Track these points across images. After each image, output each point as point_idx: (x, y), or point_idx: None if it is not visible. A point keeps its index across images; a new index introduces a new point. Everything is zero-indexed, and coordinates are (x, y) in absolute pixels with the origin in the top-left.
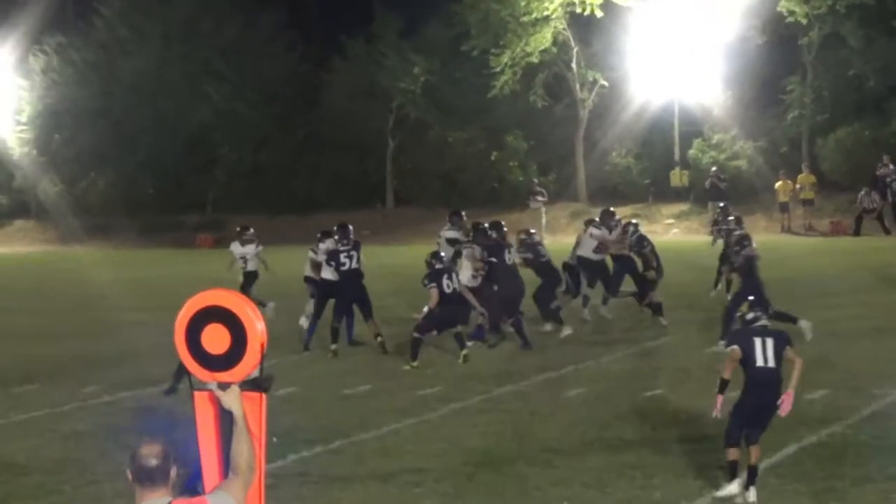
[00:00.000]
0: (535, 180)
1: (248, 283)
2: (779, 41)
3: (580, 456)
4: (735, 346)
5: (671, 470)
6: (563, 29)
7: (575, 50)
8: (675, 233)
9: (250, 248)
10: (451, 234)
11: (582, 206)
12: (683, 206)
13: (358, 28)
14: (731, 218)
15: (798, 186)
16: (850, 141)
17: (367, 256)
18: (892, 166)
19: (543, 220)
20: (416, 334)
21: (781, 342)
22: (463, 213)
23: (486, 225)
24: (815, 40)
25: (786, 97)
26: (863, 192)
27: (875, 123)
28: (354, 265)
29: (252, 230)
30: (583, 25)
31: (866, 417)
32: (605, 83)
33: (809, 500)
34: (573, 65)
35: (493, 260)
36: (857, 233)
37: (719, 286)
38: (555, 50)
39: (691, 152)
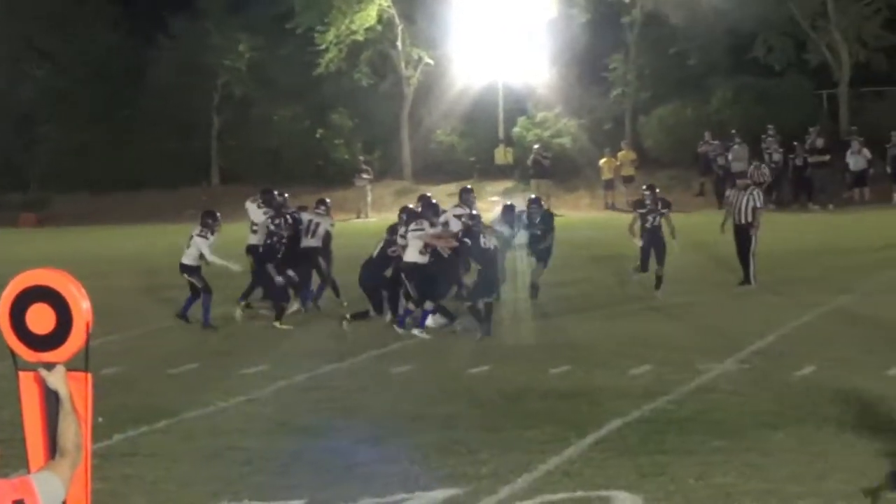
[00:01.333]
0: (361, 158)
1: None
2: (601, 19)
3: (407, 432)
4: None
5: (497, 445)
6: (388, 6)
7: (400, 27)
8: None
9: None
10: (258, 215)
11: (407, 184)
12: (508, 184)
13: (183, 5)
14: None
15: (619, 163)
16: (672, 118)
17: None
18: (714, 142)
19: (369, 198)
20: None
21: None
22: (276, 192)
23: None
24: (637, 19)
25: (609, 75)
26: (752, 167)
27: (696, 101)
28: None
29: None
30: (407, 3)
31: (689, 392)
32: (430, 61)
33: (633, 474)
34: (398, 42)
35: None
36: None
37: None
38: (380, 27)
39: (516, 130)
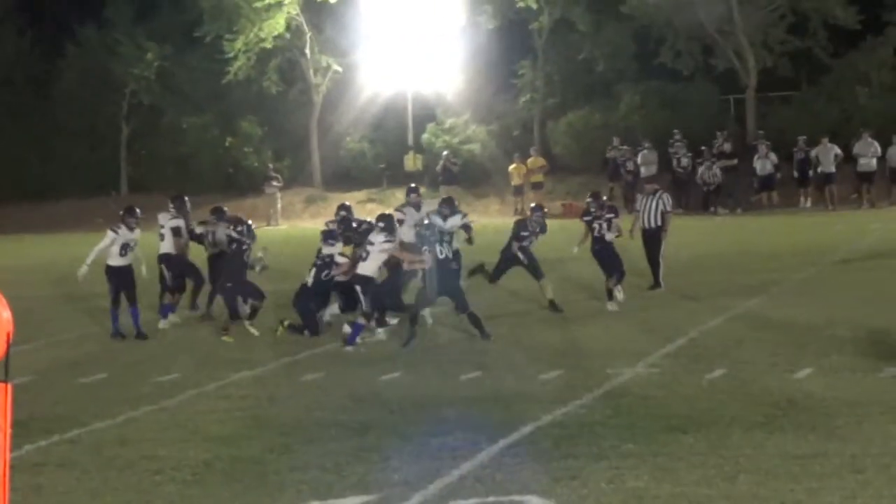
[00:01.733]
0: (270, 166)
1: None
2: (510, 26)
3: (318, 440)
4: None
5: (409, 452)
6: (297, 14)
7: (308, 35)
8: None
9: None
10: (175, 223)
11: (317, 192)
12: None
13: (90, 13)
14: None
15: (528, 170)
16: (580, 124)
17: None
18: (623, 147)
19: (279, 206)
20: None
21: None
22: (186, 199)
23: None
24: (545, 25)
25: (517, 81)
26: (703, 168)
27: (604, 107)
28: None
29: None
30: (316, 11)
31: (600, 397)
32: (339, 68)
33: (546, 479)
34: (307, 50)
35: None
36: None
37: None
38: (288, 35)
39: (425, 136)
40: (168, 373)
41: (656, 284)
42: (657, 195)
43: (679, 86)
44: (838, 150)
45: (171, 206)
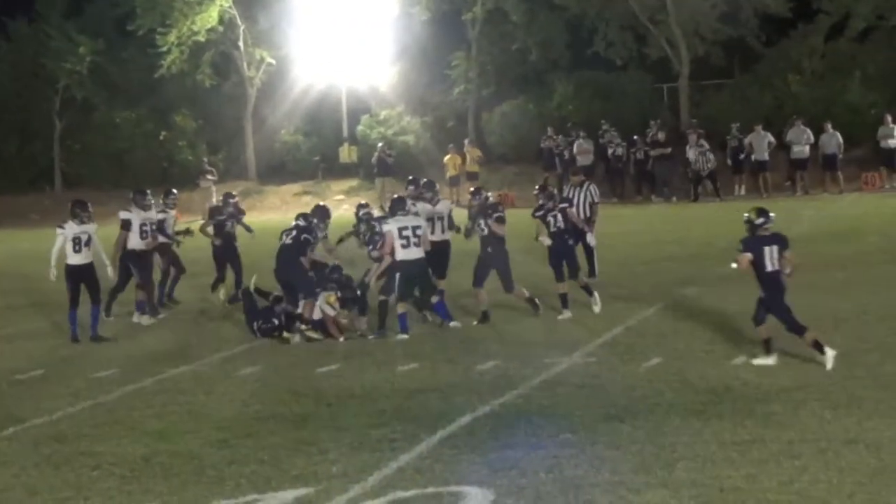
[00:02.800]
0: (205, 159)
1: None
2: (443, 17)
3: (256, 434)
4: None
5: (347, 444)
6: (229, 7)
7: (241, 28)
8: (345, 208)
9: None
10: (125, 214)
11: (252, 185)
12: (353, 182)
13: (21, 7)
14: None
15: (462, 161)
16: (515, 114)
17: (34, 241)
18: (557, 137)
19: (214, 199)
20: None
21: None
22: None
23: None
24: (479, 15)
25: (451, 73)
26: (698, 154)
27: (538, 97)
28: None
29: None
30: (248, 4)
31: (537, 386)
32: (273, 61)
33: (485, 469)
34: (240, 43)
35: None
36: (696, 198)
37: None
38: (221, 28)
39: (360, 128)
40: (106, 368)
41: (592, 274)
42: (585, 186)
43: (612, 75)
44: (771, 138)
45: (131, 199)
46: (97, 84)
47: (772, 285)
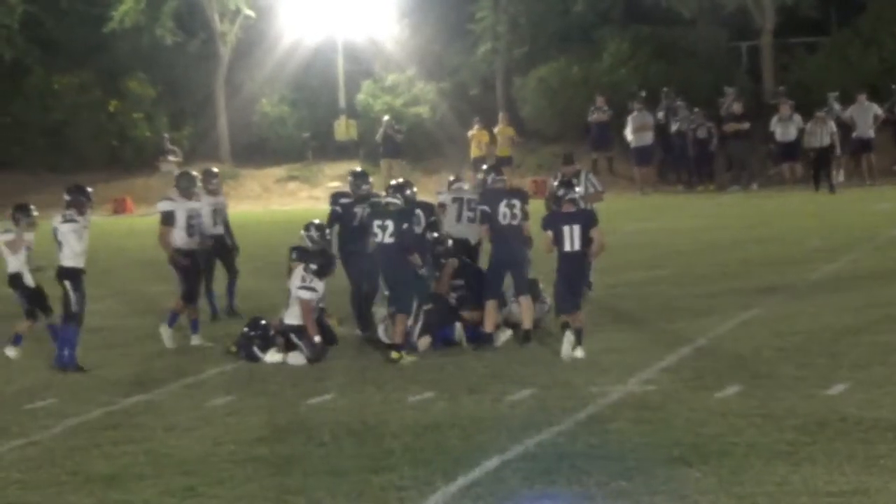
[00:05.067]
0: (166, 136)
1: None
2: None
3: (230, 480)
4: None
5: (343, 494)
6: None
7: None
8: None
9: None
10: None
11: (225, 168)
12: (352, 164)
13: None
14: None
15: (491, 139)
16: (554, 80)
17: None
18: (607, 108)
19: None
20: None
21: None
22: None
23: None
24: None
25: (475, 27)
26: (808, 125)
27: (584, 57)
28: None
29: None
30: None
31: (582, 422)
32: (251, 12)
33: None
34: None
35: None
36: (817, 187)
37: None
38: None
39: (360, 97)
40: (42, 398)
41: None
42: (582, 177)
43: (677, 30)
44: (878, 110)
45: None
46: (31, 41)
47: (568, 267)
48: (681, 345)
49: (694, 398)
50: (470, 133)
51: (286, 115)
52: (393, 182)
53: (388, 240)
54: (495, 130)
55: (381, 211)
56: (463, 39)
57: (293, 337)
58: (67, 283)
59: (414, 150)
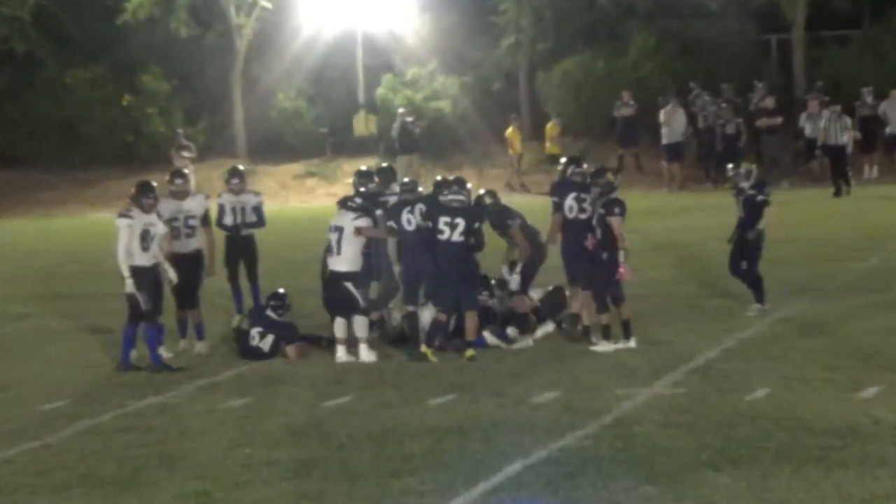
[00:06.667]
0: (180, 131)
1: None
2: None
3: (246, 484)
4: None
5: (362, 498)
6: None
7: None
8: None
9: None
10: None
11: (241, 164)
12: (371, 161)
13: None
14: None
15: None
16: (579, 75)
17: None
18: (633, 103)
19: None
20: None
21: None
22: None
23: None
24: None
25: (499, 20)
26: (823, 121)
27: (610, 52)
28: None
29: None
30: None
31: (608, 424)
32: (268, 4)
33: None
34: None
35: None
36: (839, 189)
37: None
38: None
39: (380, 92)
40: (53, 399)
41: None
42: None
43: (705, 24)
44: None
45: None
46: (43, 35)
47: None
48: (708, 346)
49: (722, 401)
50: (508, 131)
51: (304, 109)
52: (443, 178)
53: (458, 238)
54: (547, 128)
55: (449, 208)
56: (485, 33)
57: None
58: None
59: (433, 146)
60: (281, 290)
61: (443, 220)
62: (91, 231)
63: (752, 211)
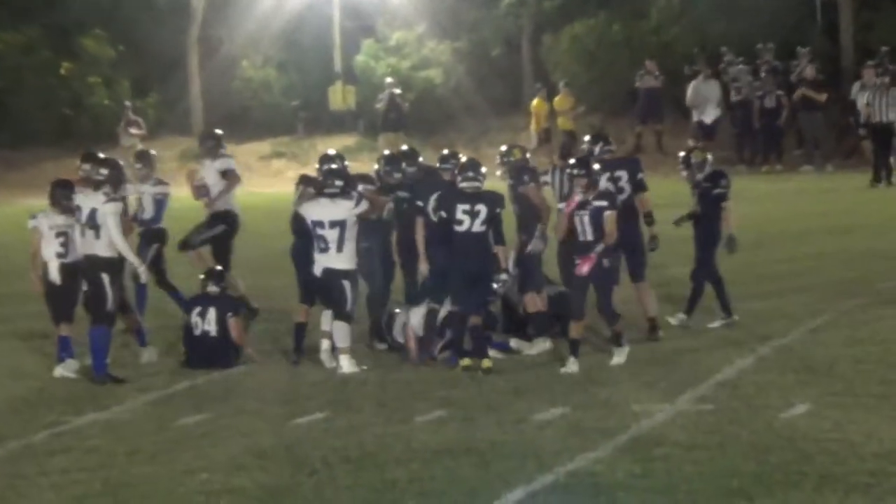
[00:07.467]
0: (128, 104)
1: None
2: None
3: None
4: None
5: None
6: None
7: None
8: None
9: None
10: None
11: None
12: (349, 140)
13: None
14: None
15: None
16: (591, 39)
17: None
18: (658, 74)
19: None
20: None
21: None
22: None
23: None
24: None
25: None
26: (867, 94)
27: (627, 13)
28: None
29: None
30: None
31: (623, 446)
32: None
33: None
34: None
35: None
36: (878, 175)
37: None
38: None
39: (360, 59)
40: None
41: None
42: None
43: None
44: None
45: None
46: None
47: None
48: (740, 355)
49: (756, 419)
50: (533, 103)
51: (272, 80)
52: (454, 156)
53: (479, 228)
54: (555, 100)
55: (467, 194)
56: None
57: None
58: (105, 277)
59: (424, 123)
60: (218, 268)
61: (462, 207)
62: (21, 221)
63: (709, 205)
